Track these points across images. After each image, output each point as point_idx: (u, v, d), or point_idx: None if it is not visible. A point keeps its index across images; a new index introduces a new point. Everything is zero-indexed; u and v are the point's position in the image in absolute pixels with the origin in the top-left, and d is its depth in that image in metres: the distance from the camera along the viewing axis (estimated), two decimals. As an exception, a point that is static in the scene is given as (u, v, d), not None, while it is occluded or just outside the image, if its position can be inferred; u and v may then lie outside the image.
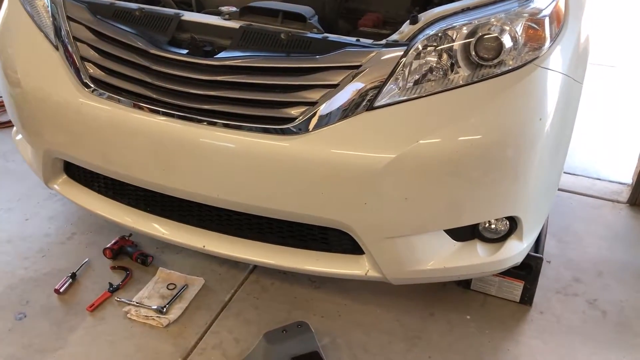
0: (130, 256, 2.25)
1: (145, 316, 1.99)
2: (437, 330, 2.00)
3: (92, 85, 1.82)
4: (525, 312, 2.09)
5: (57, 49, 1.89)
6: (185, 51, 1.73)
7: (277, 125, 1.62)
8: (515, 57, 1.60)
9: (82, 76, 1.83)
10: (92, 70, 1.83)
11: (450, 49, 1.60)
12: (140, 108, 1.75)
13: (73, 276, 2.15)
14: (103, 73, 1.82)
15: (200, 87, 1.69)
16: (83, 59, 1.84)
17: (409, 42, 1.61)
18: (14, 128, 2.28)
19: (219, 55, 1.69)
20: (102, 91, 1.80)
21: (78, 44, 1.85)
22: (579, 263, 2.35)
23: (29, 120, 1.99)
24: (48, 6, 1.93)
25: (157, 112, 1.73)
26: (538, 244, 2.13)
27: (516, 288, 2.09)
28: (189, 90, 1.69)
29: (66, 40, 1.86)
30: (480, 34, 1.59)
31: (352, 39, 1.66)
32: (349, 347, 1.92)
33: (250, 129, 1.64)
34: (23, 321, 1.98)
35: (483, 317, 2.06)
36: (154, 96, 1.74)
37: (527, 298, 2.10)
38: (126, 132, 1.78)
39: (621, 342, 1.98)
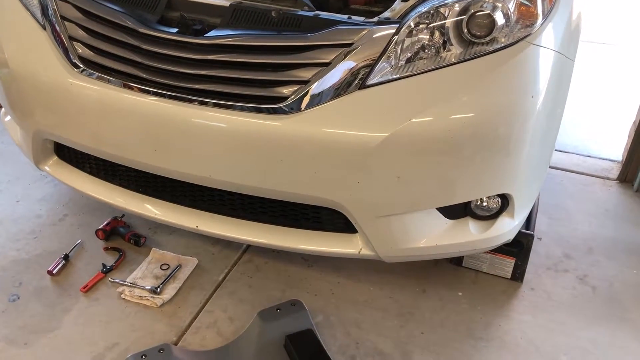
0: (123, 237, 2.25)
1: (139, 296, 1.99)
2: (430, 306, 2.02)
3: (81, 65, 1.79)
4: (516, 288, 2.11)
5: (44, 28, 1.86)
6: (175, 30, 1.71)
7: (269, 105, 1.61)
8: (507, 35, 1.59)
9: (71, 56, 1.81)
10: (81, 50, 1.81)
11: (443, 26, 1.59)
12: (131, 88, 1.73)
13: (66, 257, 2.15)
14: (92, 53, 1.80)
15: (190, 66, 1.67)
16: (71, 38, 1.81)
17: (401, 19, 1.60)
18: (2, 109, 2.26)
19: (209, 34, 1.67)
20: (91, 71, 1.78)
21: (66, 23, 1.82)
22: (569, 240, 2.37)
23: (18, 102, 1.97)
24: (34, -16, 1.90)
25: (148, 92, 1.71)
26: (529, 221, 2.15)
27: (507, 265, 2.12)
28: (180, 70, 1.68)
29: (53, 19, 1.83)
30: (472, 11, 1.58)
31: (344, 17, 1.65)
32: (343, 324, 1.94)
33: (241, 109, 1.63)
34: (16, 303, 1.98)
35: (475, 294, 2.08)
36: (144, 76, 1.72)
37: (518, 274, 2.13)
38: (117, 113, 1.77)
39: (611, 317, 2.01)
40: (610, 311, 2.03)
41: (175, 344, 1.84)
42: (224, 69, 1.65)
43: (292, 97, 1.60)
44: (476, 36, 1.58)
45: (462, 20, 1.58)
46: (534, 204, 2.17)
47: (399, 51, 1.58)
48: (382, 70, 1.58)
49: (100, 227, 2.26)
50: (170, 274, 2.09)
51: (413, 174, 1.62)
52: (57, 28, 1.82)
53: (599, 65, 4.37)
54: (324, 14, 1.66)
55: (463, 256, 2.16)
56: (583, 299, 2.08)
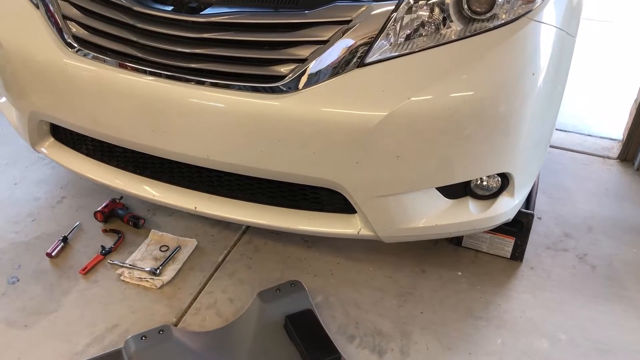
0: (121, 219, 2.25)
1: (139, 278, 1.99)
2: (429, 286, 2.02)
3: (75, 45, 1.77)
4: (516, 267, 2.11)
5: (37, 7, 1.83)
6: (170, 8, 1.68)
7: (267, 84, 1.59)
8: (508, 11, 1.57)
9: (65, 36, 1.78)
10: (75, 29, 1.78)
11: (442, 2, 1.56)
12: (127, 68, 1.71)
13: (64, 240, 2.14)
14: (87, 32, 1.77)
15: (186, 45, 1.65)
16: (65, 17, 1.79)
17: (400, -5, 1.58)
18: (-2, 91, 2.24)
19: (205, 12, 1.64)
20: (86, 51, 1.76)
21: (59, 2, 1.80)
22: (569, 219, 2.37)
23: (13, 83, 1.95)
24: (26, -38, 1.86)
25: (144, 71, 1.69)
26: (529, 201, 2.14)
27: (507, 244, 2.11)
28: (176, 49, 1.66)
29: (47, -2, 1.81)
30: (472, -14, 1.55)
31: None
32: (342, 304, 1.94)
33: (239, 88, 1.61)
34: (16, 285, 1.98)
35: (474, 273, 2.08)
36: (140, 55, 1.70)
37: (517, 254, 2.12)
38: (113, 93, 1.75)
39: (610, 295, 2.01)
40: (609, 290, 2.03)
41: (175, 325, 1.85)
42: (220, 48, 1.63)
43: (290, 75, 1.57)
44: (476, 12, 1.56)
45: (462, -4, 1.56)
46: (534, 183, 2.17)
47: (398, 28, 1.56)
48: (381, 48, 1.56)
49: (98, 209, 2.25)
50: (170, 256, 2.08)
51: (412, 153, 1.60)
52: (51, 7, 1.79)
53: (600, 43, 4.33)
54: (321, -10, 1.63)
55: (462, 236, 2.15)
56: (582, 278, 2.08)
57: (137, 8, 1.69)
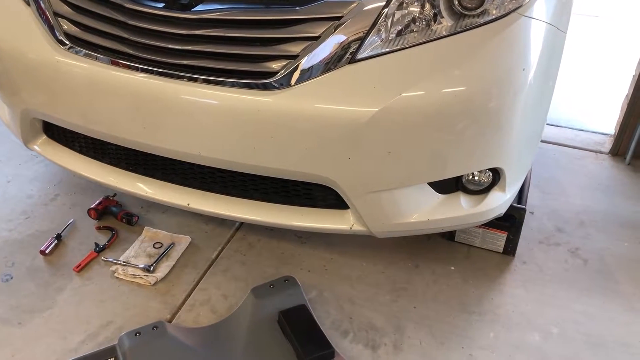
0: (115, 216, 2.25)
1: (133, 275, 2.00)
2: (422, 281, 2.03)
3: (67, 43, 1.77)
4: (508, 262, 2.13)
5: (28, 4, 1.83)
6: (161, 5, 1.68)
7: (259, 80, 1.59)
8: (498, 6, 1.57)
9: (57, 33, 1.78)
10: (67, 26, 1.78)
11: (433, -2, 1.57)
12: (119, 65, 1.71)
13: (58, 237, 2.14)
14: (78, 29, 1.77)
15: (178, 41, 1.65)
16: (56, 14, 1.78)
17: (391, -9, 1.58)
18: (-10, 88, 2.23)
19: (196, 8, 1.64)
20: (78, 48, 1.76)
21: (50, -1, 1.79)
22: (561, 213, 2.38)
23: (4, 80, 1.94)
24: (17, -41, 1.86)
25: (136, 68, 1.69)
26: (521, 195, 2.15)
27: (499, 239, 2.12)
28: (167, 46, 1.65)
29: (38, -5, 1.80)
30: (463, -18, 1.55)
31: None
32: (336, 299, 1.95)
33: (231, 85, 1.61)
34: (10, 282, 1.98)
35: (467, 268, 2.09)
36: (132, 52, 1.69)
37: (510, 248, 2.13)
38: (105, 90, 1.75)
39: (602, 289, 2.02)
40: (601, 283, 2.05)
41: (170, 321, 1.85)
42: (212, 44, 1.63)
43: (282, 72, 1.58)
44: (467, 8, 1.56)
45: (452, -9, 1.56)
46: (526, 178, 2.18)
47: (389, 24, 1.56)
48: (373, 44, 1.56)
49: (92, 206, 2.25)
50: (164, 253, 2.09)
51: (404, 148, 1.61)
52: (42, 4, 1.79)
53: (590, 38, 4.35)
54: (312, -14, 1.63)
55: (455, 231, 2.16)
56: (574, 272, 2.09)
57: (128, 5, 1.69)
